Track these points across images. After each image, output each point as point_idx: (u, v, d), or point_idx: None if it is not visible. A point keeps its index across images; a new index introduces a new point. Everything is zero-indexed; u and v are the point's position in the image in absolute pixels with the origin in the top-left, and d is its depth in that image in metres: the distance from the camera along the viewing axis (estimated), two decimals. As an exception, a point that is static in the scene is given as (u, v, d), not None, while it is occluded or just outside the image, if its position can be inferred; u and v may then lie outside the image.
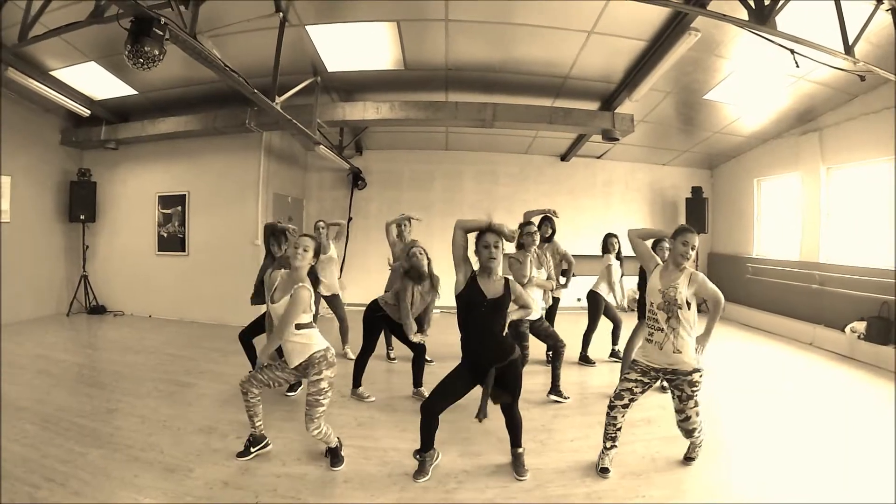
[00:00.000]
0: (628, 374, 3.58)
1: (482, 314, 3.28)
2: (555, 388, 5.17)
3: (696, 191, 10.58)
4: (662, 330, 3.43)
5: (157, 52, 3.38)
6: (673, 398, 3.61)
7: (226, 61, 4.59)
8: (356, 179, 10.67)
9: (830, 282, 7.78)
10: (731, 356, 7.25)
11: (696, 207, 10.47)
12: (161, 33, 3.36)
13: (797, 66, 4.98)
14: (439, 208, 10.45)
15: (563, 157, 10.92)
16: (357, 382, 5.17)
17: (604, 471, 3.58)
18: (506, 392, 3.42)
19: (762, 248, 9.96)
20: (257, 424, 3.72)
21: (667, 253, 4.79)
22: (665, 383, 3.66)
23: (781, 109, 8.03)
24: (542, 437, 4.26)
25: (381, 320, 5.14)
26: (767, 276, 9.30)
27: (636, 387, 3.54)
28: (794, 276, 8.56)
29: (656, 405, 4.95)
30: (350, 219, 10.46)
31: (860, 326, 6.92)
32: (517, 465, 3.57)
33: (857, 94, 7.18)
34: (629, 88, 6.91)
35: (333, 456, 3.67)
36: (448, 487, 3.41)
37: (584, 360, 6.50)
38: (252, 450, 3.73)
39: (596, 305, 6.43)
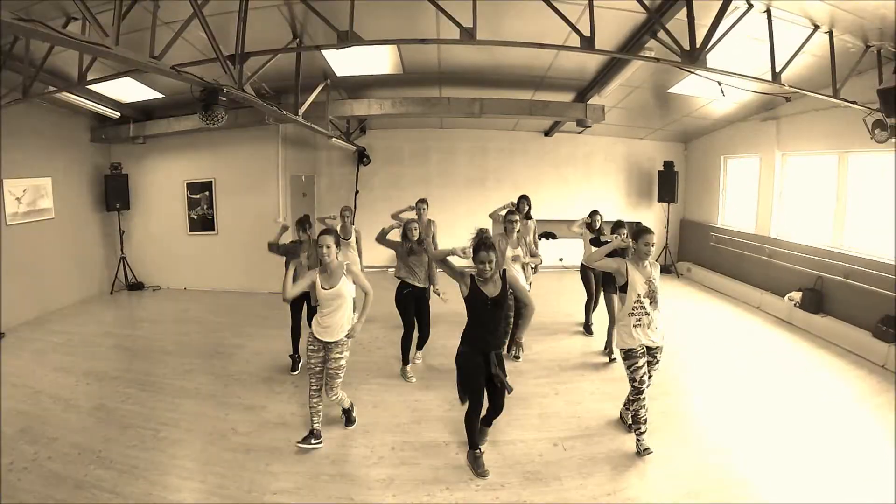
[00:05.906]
0: (636, 362, 4.09)
1: (488, 310, 3.82)
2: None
3: (668, 164, 11.58)
4: (649, 314, 4.13)
5: (221, 115, 4.39)
6: (646, 375, 4.12)
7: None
8: (361, 157, 11.68)
9: (777, 255, 8.75)
10: (689, 318, 8.26)
11: (667, 179, 11.53)
12: (224, 100, 4.37)
13: (723, 95, 5.68)
14: (436, 181, 11.79)
15: (547, 133, 11.90)
16: (406, 360, 5.80)
17: (647, 451, 4.12)
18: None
19: (725, 220, 10.92)
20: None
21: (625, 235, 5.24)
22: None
23: (745, 99, 8.49)
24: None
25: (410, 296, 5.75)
26: (727, 245, 10.27)
27: (646, 368, 4.14)
28: (749, 248, 9.55)
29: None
30: (357, 192, 11.65)
31: (797, 296, 7.89)
32: (478, 465, 4.01)
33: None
34: (599, 86, 7.75)
35: (348, 417, 4.62)
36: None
37: (587, 329, 7.33)
38: (312, 441, 4.22)
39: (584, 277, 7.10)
